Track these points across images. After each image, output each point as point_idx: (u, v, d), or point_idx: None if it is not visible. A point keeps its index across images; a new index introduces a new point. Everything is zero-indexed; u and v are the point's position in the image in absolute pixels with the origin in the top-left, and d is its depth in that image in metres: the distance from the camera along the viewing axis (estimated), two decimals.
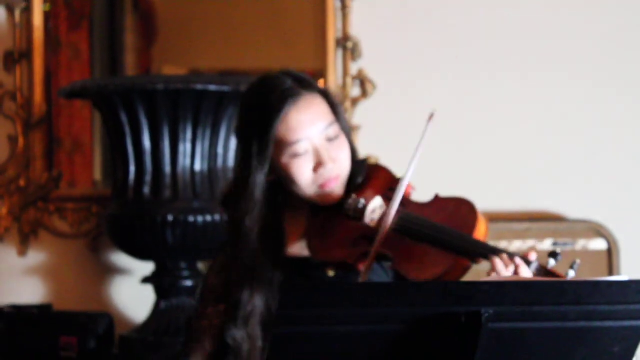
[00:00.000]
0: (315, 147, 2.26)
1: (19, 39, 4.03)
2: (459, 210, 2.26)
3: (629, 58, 4.04)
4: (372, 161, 3.95)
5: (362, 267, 2.21)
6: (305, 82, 2.30)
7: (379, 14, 4.02)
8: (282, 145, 2.25)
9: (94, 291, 4.00)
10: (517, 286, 1.89)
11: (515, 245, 3.82)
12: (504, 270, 2.14)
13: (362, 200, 2.27)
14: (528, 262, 2.17)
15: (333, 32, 4.01)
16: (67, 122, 4.12)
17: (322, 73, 4.02)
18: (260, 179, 2.26)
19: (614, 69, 4.03)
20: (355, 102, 4.00)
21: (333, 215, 2.29)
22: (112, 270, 4.02)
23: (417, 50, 4.01)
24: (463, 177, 3.98)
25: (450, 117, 3.85)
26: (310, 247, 2.28)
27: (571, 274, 2.14)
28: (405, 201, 2.28)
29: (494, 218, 3.93)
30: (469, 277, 2.20)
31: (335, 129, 2.29)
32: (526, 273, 2.15)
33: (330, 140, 2.27)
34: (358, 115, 4.00)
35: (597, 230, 3.88)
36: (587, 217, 3.92)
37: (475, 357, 1.87)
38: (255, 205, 2.27)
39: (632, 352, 1.98)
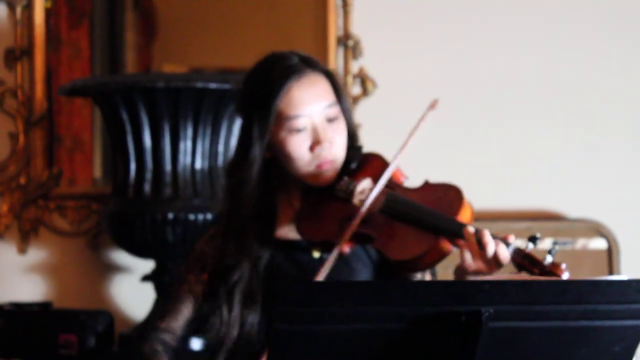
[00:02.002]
0: (314, 125, 2.28)
1: (20, 36, 4.03)
2: (446, 195, 2.28)
3: (628, 58, 4.04)
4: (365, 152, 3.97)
5: (345, 247, 2.23)
6: (312, 61, 2.33)
7: (380, 12, 4.02)
8: (281, 119, 2.27)
9: (94, 289, 4.00)
10: (517, 285, 1.89)
11: (515, 245, 3.81)
12: (473, 245, 2.15)
13: (353, 182, 2.30)
14: (507, 244, 2.18)
15: (334, 30, 4.01)
16: (67, 120, 4.12)
17: None
18: (259, 151, 2.28)
19: (614, 68, 4.03)
20: (355, 100, 4.00)
21: (323, 197, 2.32)
22: (112, 268, 4.02)
23: (417, 49, 4.01)
24: (463, 175, 3.95)
25: (450, 115, 3.85)
26: (298, 227, 2.31)
27: (548, 259, 2.15)
28: (394, 185, 2.31)
29: (494, 217, 3.93)
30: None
31: (335, 110, 2.31)
32: (503, 252, 2.15)
33: (330, 120, 2.30)
34: (359, 114, 4.00)
35: (597, 230, 3.87)
36: (587, 216, 3.92)
37: (475, 356, 1.88)
38: (253, 176, 2.29)
39: (633, 351, 1.98)
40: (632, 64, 4.04)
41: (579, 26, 4.04)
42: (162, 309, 2.37)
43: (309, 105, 2.27)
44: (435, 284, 2.07)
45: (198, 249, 2.37)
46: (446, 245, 2.20)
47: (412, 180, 2.38)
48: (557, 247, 2.16)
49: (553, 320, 1.90)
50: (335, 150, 2.30)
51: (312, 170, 2.30)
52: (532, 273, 2.13)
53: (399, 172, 2.35)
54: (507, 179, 4.00)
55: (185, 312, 2.34)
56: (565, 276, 2.10)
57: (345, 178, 2.32)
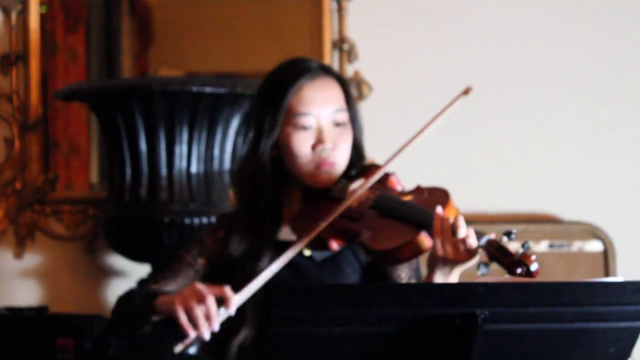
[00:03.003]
0: (320, 125, 2.34)
1: (15, 42, 4.03)
2: (433, 195, 2.32)
3: (626, 61, 4.04)
4: (368, 162, 3.98)
5: (334, 244, 2.26)
6: (327, 68, 2.42)
7: (375, 16, 4.02)
8: (290, 114, 2.33)
9: (90, 293, 4.00)
10: (512, 287, 1.90)
11: (512, 247, 3.80)
12: (446, 228, 2.17)
13: (348, 183, 2.35)
14: (480, 234, 2.18)
15: (329, 34, 4.01)
16: (63, 125, 4.12)
17: None
18: (268, 146, 2.35)
19: (611, 72, 4.03)
20: None
21: (319, 199, 2.36)
22: (109, 273, 4.02)
23: (413, 52, 4.01)
24: (460, 179, 3.98)
25: (446, 119, 3.85)
26: (292, 226, 2.34)
27: (520, 251, 2.15)
28: (386, 187, 2.35)
29: (491, 220, 3.93)
30: (463, 278, 2.21)
31: (343, 116, 2.37)
32: (473, 242, 2.16)
33: (337, 125, 2.36)
34: None
35: (593, 232, 3.88)
36: (583, 219, 3.92)
37: (470, 358, 1.88)
38: (263, 169, 2.35)
39: (628, 353, 1.98)
40: (629, 67, 4.04)
41: (577, 30, 4.04)
42: (157, 275, 2.42)
43: (318, 105, 2.34)
44: (430, 286, 2.07)
45: (199, 237, 2.44)
46: (426, 239, 2.21)
47: (407, 183, 2.39)
48: (528, 244, 2.16)
49: (548, 323, 1.91)
50: (337, 155, 2.35)
51: (311, 170, 2.34)
52: (502, 263, 2.14)
53: (395, 179, 2.39)
54: (503, 182, 4.00)
55: (180, 281, 2.37)
56: (534, 266, 2.11)
57: (343, 180, 2.36)
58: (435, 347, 1.89)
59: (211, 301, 2.09)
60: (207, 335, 2.09)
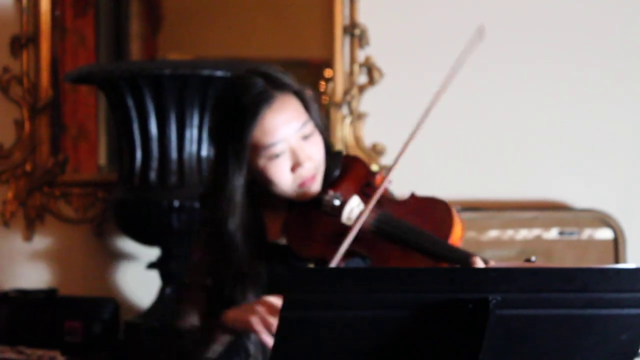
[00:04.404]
0: (291, 147, 2.28)
1: (26, 24, 4.03)
2: (435, 212, 2.26)
3: (637, 47, 4.03)
4: (379, 149, 3.97)
5: (341, 263, 2.22)
6: (277, 81, 2.30)
7: (386, 1, 4.01)
8: (258, 148, 2.27)
9: (100, 276, 4.01)
10: (524, 273, 1.89)
11: (521, 234, 3.81)
12: None
13: (339, 198, 2.29)
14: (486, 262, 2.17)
15: (340, 19, 4.00)
16: (72, 108, 4.12)
17: (329, 60, 4.02)
18: (239, 182, 2.28)
19: (623, 57, 4.02)
20: (362, 89, 4.00)
21: (310, 211, 2.32)
22: (118, 256, 4.02)
23: (424, 37, 4.00)
24: (469, 165, 3.98)
25: (456, 105, 3.85)
26: (289, 242, 2.31)
27: None
28: (382, 199, 2.29)
29: (500, 207, 3.92)
30: None
31: (309, 127, 2.31)
32: None
33: (305, 138, 2.30)
34: (365, 103, 3.99)
35: (603, 220, 3.87)
36: (593, 207, 3.91)
37: (482, 343, 1.88)
38: (236, 208, 2.29)
39: (639, 340, 1.98)
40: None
41: (588, 14, 4.03)
42: (177, 308, 2.41)
43: (283, 129, 2.27)
44: (442, 271, 2.07)
45: (195, 258, 2.39)
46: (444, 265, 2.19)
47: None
48: (534, 259, 2.16)
49: (560, 309, 1.90)
50: (315, 165, 2.31)
51: (296, 190, 2.31)
52: None
53: (382, 177, 2.33)
54: (514, 169, 4.00)
55: (202, 309, 2.36)
56: None
57: (330, 192, 2.31)
58: (447, 332, 1.89)
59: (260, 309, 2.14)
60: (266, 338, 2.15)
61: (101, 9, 4.18)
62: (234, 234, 2.30)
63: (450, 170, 3.95)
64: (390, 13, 4.01)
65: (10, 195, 4.04)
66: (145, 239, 3.72)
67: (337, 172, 2.36)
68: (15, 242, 4.03)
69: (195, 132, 3.61)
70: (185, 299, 2.38)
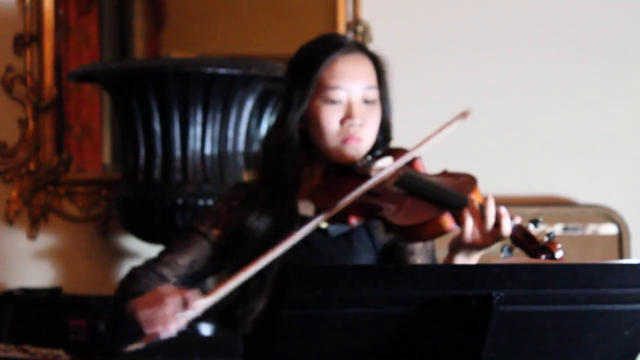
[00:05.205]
0: (350, 100, 2.32)
1: (29, 23, 4.03)
2: (459, 179, 2.30)
3: None
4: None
5: (353, 219, 2.25)
6: (362, 45, 2.42)
7: None
8: (321, 88, 2.32)
9: (104, 275, 4.01)
10: (528, 269, 1.89)
11: (518, 222, 3.81)
12: (476, 214, 2.15)
13: (373, 160, 2.32)
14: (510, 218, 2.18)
15: (343, 16, 4.00)
16: (76, 107, 4.12)
17: None
18: (296, 118, 2.33)
19: (628, 53, 4.02)
20: None
21: (343, 174, 2.34)
22: (122, 254, 4.02)
23: (427, 34, 4.00)
24: (473, 161, 3.95)
25: (460, 100, 3.83)
26: (311, 196, 2.32)
27: (545, 238, 2.14)
28: (411, 168, 2.33)
29: (505, 203, 3.89)
30: (484, 260, 2.20)
31: (374, 94, 2.35)
32: (507, 223, 2.15)
33: (366, 102, 2.34)
34: None
35: (608, 215, 3.87)
36: (597, 202, 3.91)
37: (485, 340, 1.87)
38: (290, 141, 2.34)
39: None
40: None
41: (592, 8, 4.03)
42: (170, 247, 2.41)
43: (349, 80, 2.32)
44: (445, 267, 2.07)
45: (213, 207, 2.42)
46: (449, 220, 2.17)
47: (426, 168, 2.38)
48: (554, 233, 2.15)
49: (563, 304, 1.90)
50: (365, 132, 2.33)
51: (338, 144, 2.32)
52: (527, 249, 2.13)
53: (420, 163, 2.36)
54: (518, 165, 4.00)
55: (193, 252, 2.36)
56: (559, 254, 2.10)
57: (368, 157, 2.34)
58: (450, 328, 1.89)
59: (172, 303, 2.09)
60: (164, 335, 2.09)
61: (105, 7, 4.18)
62: (287, 159, 2.33)
63: (454, 166, 3.94)
64: (393, 10, 4.01)
65: (14, 194, 4.04)
66: (149, 237, 3.72)
67: (379, 152, 2.38)
68: (19, 241, 4.04)
69: (199, 129, 3.61)
70: (183, 238, 2.38)
